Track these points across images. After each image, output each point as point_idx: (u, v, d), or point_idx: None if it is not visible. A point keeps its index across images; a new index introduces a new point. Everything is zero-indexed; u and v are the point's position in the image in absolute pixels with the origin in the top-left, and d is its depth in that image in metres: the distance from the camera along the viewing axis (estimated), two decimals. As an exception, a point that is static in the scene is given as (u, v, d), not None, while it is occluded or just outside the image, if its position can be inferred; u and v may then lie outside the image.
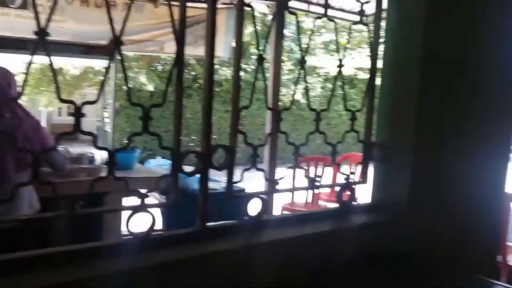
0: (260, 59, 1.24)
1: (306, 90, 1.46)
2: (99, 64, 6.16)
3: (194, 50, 4.14)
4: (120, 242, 1.04)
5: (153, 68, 11.17)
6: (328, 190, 4.55)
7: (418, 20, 1.45)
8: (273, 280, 1.15)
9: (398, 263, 1.35)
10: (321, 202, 4.37)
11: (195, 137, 10.85)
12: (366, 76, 1.42)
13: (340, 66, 1.43)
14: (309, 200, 4.24)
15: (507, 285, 1.17)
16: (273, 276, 1.17)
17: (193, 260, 1.05)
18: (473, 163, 1.59)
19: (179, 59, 1.07)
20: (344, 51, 1.43)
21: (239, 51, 1.23)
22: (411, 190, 1.44)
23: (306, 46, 1.49)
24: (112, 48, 0.98)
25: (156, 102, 1.05)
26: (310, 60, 11.23)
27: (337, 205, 1.47)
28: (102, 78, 1.09)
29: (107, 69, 1.06)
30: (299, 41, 1.45)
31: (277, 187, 1.32)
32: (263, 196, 1.26)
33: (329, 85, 12.41)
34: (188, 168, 1.14)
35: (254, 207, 1.27)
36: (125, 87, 9.69)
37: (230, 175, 1.20)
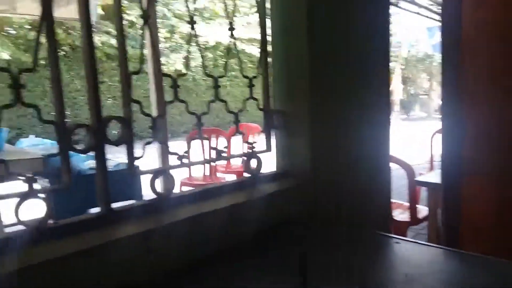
0: (145, 19, 1.11)
1: (202, 56, 1.37)
2: None
3: (55, 12, 3.52)
4: (6, 236, 0.85)
5: (6, 34, 9.69)
6: (224, 162, 4.51)
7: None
8: (188, 261, 1.06)
9: (308, 225, 1.37)
10: (219, 175, 4.31)
11: (68, 112, 9.86)
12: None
13: (232, 30, 1.36)
14: (207, 173, 4.16)
15: (398, 237, 1.27)
16: (189, 256, 1.08)
17: (100, 248, 0.91)
18: (360, 128, 1.68)
19: (47, 12, 0.90)
20: (233, 18, 1.36)
21: (119, 11, 1.07)
22: (312, 156, 1.47)
23: (193, 10, 1.36)
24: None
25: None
26: (185, 28, 10.72)
27: (234, 176, 1.44)
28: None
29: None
30: (186, 3, 1.31)
31: (182, 161, 1.22)
32: (170, 171, 1.16)
33: (209, 55, 12.26)
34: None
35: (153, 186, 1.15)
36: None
37: (130, 150, 1.06)
